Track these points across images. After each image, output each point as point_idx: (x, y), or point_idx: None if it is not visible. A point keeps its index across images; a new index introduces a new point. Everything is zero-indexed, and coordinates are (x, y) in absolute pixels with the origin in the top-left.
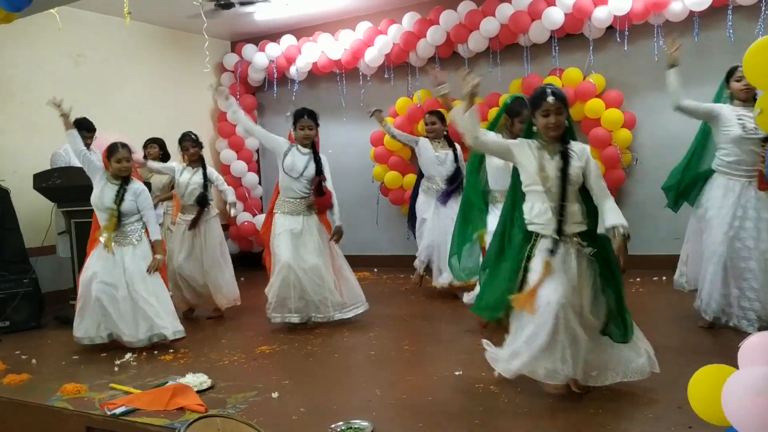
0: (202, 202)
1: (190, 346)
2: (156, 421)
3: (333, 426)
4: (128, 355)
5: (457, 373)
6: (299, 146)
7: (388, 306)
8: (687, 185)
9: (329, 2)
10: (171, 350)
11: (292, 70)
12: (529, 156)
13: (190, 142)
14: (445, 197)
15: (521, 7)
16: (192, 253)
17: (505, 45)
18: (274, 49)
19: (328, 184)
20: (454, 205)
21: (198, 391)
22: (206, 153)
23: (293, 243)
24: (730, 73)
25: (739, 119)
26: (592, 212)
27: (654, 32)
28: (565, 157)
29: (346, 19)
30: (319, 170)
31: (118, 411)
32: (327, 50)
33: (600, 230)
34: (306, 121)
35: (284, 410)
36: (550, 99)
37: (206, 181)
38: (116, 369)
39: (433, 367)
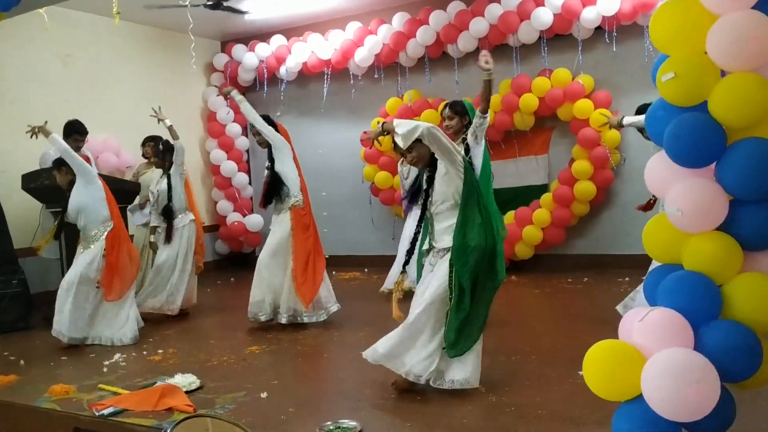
0: (167, 213)
1: (179, 346)
2: (144, 421)
3: (322, 426)
4: (117, 356)
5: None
6: None
7: (378, 306)
8: None
9: (319, 2)
10: (160, 350)
11: (282, 70)
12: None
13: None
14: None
15: (510, 8)
16: (166, 256)
17: (494, 45)
18: (264, 49)
19: (277, 167)
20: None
21: (187, 392)
22: (195, 153)
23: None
24: None
25: None
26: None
27: (643, 33)
28: (430, 182)
29: (336, 19)
30: (270, 159)
31: (106, 412)
32: (317, 50)
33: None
34: (251, 130)
35: (273, 410)
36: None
37: (170, 189)
38: (105, 370)
39: None
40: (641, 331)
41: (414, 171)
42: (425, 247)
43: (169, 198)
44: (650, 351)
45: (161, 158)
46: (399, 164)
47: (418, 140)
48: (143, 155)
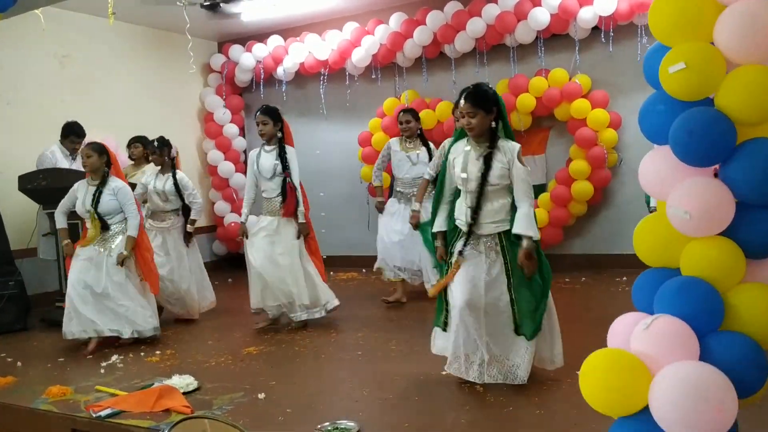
0: (187, 211)
1: (177, 347)
2: (142, 423)
3: (319, 426)
4: (114, 357)
5: (443, 372)
6: (265, 145)
7: (376, 306)
8: None
9: (316, 3)
10: (158, 351)
11: (280, 70)
12: (458, 156)
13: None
14: None
15: (507, 8)
16: (170, 260)
17: (491, 45)
18: (261, 50)
19: (294, 179)
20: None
21: (184, 393)
22: (192, 153)
23: (268, 243)
24: None
25: None
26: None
27: (639, 33)
28: (488, 160)
29: (333, 20)
30: (284, 167)
31: (103, 413)
32: (314, 51)
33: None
34: (257, 117)
35: (271, 411)
36: (461, 102)
37: (178, 189)
38: (102, 371)
39: (419, 366)
40: (645, 340)
41: (423, 155)
42: (439, 228)
43: (181, 196)
44: (657, 362)
45: (159, 155)
46: (399, 142)
47: (483, 109)
48: (129, 157)
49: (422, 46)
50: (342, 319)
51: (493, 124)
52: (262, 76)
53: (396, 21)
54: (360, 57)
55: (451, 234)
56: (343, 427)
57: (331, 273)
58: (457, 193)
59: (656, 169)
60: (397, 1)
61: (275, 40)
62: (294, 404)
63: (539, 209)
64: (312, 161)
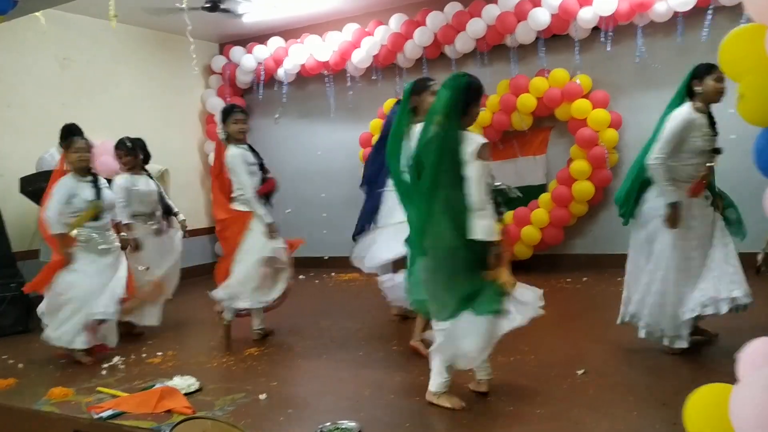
0: (169, 211)
1: (178, 348)
2: (143, 424)
3: (321, 427)
4: (116, 359)
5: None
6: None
7: (376, 307)
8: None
9: (316, 4)
10: (159, 353)
11: (280, 71)
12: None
13: (122, 150)
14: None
15: (508, 8)
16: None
17: (492, 46)
18: (262, 51)
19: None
20: None
21: (186, 394)
22: (194, 155)
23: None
24: (707, 72)
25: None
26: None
27: (639, 33)
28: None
29: (334, 21)
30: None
31: (105, 414)
32: (315, 52)
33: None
34: (240, 115)
35: (272, 412)
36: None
37: (159, 188)
38: (104, 372)
39: (420, 367)
40: (741, 367)
41: None
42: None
43: (161, 196)
44: None
45: (135, 156)
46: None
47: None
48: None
49: (423, 46)
50: (343, 319)
51: None
52: (263, 78)
53: (396, 22)
54: (360, 58)
55: None
56: (344, 427)
57: (333, 274)
58: None
59: None
60: (397, 2)
61: (276, 42)
62: (295, 405)
63: (540, 209)
64: (313, 162)
